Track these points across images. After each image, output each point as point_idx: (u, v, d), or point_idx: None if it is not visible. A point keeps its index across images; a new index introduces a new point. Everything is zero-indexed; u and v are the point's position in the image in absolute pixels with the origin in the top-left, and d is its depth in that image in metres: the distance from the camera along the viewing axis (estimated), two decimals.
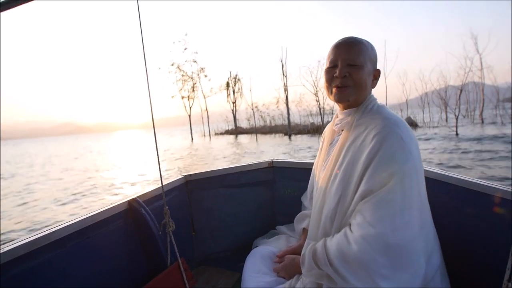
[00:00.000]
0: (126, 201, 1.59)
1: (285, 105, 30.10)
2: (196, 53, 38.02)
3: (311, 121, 30.79)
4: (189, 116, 35.95)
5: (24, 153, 40.38)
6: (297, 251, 1.40)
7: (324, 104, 28.08)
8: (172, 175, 2.09)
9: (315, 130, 26.55)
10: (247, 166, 2.18)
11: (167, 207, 1.49)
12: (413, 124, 24.68)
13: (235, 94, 36.78)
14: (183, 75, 35.97)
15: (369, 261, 0.98)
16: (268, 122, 35.47)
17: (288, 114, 29.09)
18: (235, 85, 36.56)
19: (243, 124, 38.60)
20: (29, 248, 1.17)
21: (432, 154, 10.91)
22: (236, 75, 36.47)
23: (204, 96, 37.10)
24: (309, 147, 15.96)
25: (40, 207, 8.24)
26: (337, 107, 1.33)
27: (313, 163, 1.54)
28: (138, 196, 1.63)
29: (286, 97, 29.79)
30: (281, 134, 29.24)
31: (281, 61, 29.46)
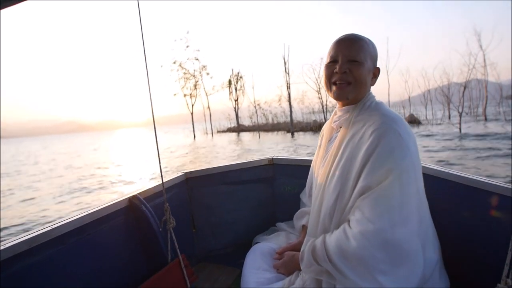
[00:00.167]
0: (127, 198, 1.59)
1: (287, 103, 30.06)
2: (198, 50, 37.45)
3: (313, 118, 30.74)
4: (191, 114, 35.99)
5: (26, 151, 40.55)
6: (296, 247, 1.41)
7: (326, 101, 28.06)
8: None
9: (318, 127, 26.38)
10: (248, 163, 2.19)
11: (167, 204, 1.49)
12: (415, 121, 24.59)
13: (237, 91, 36.73)
14: (185, 73, 35.99)
15: (368, 257, 0.99)
16: (270, 120, 35.45)
17: (291, 111, 29.04)
18: (237, 82, 36.50)
19: (245, 121, 38.59)
20: (29, 244, 1.17)
21: (435, 152, 10.86)
22: (238, 73, 36.41)
23: (206, 94, 37.07)
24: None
25: (45, 203, 8.30)
26: (337, 104, 1.33)
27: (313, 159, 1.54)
28: (139, 193, 1.63)
29: (289, 94, 29.74)
30: (283, 132, 29.21)
31: (284, 59, 29.35)
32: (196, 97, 36.48)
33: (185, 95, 36.20)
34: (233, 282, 1.77)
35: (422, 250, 1.03)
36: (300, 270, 1.23)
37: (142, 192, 1.66)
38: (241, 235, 2.13)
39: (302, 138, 20.84)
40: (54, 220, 1.35)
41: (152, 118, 1.37)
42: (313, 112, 31.66)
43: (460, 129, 16.25)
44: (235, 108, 37.22)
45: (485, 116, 22.95)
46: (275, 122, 34.60)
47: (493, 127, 16.65)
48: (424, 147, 12.07)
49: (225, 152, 16.09)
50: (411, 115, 25.64)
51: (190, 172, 2.07)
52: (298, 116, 31.95)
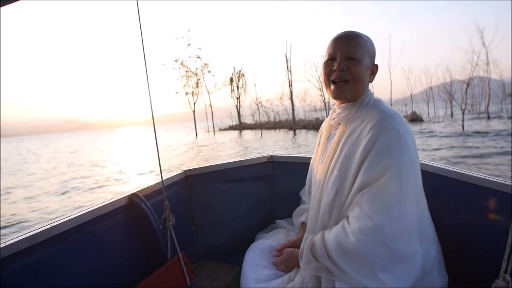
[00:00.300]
0: (127, 196, 1.60)
1: (289, 101, 30.06)
2: (200, 49, 37.49)
3: (315, 116, 30.75)
4: (193, 112, 36.03)
5: (27, 149, 40.77)
6: (296, 244, 1.41)
7: (329, 99, 28.01)
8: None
9: (320, 125, 26.00)
10: (247, 161, 2.19)
11: (167, 201, 1.49)
12: (418, 119, 24.56)
13: (239, 89, 36.75)
14: (187, 71, 35.97)
15: (367, 253, 1.00)
16: (272, 118, 35.46)
17: (293, 109, 29.04)
18: (239, 80, 36.53)
19: (247, 119, 38.66)
20: (29, 242, 1.17)
21: (438, 151, 10.82)
22: (239, 71, 36.42)
23: (208, 92, 37.09)
24: None
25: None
26: (335, 102, 1.34)
27: (312, 157, 1.54)
28: (139, 191, 1.63)
29: (291, 92, 29.73)
30: (285, 130, 29.23)
31: (286, 56, 29.35)
32: (198, 95, 36.49)
33: (187, 93, 36.22)
34: (233, 280, 1.77)
35: (421, 246, 1.04)
36: (299, 267, 1.24)
37: (141, 190, 1.67)
38: (240, 232, 2.14)
39: (305, 136, 20.80)
40: (55, 218, 1.35)
41: (151, 116, 1.37)
42: (315, 110, 31.69)
43: (463, 127, 16.19)
44: (237, 106, 37.26)
45: (488, 113, 22.86)
46: (277, 120, 34.65)
47: (496, 125, 16.60)
48: (428, 145, 12.03)
49: (230, 153, 16.11)
50: (413, 113, 25.61)
51: (190, 170, 2.08)
52: (300, 114, 32.02)
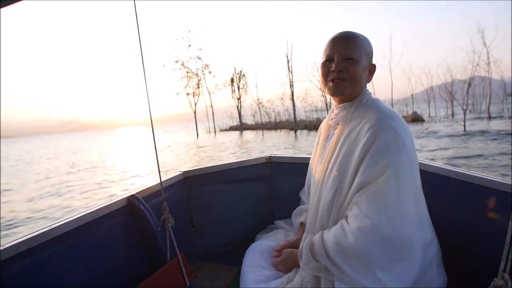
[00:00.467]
0: (125, 198, 1.60)
1: (290, 101, 30.05)
2: (200, 49, 37.27)
3: (316, 116, 30.74)
4: (194, 112, 36.03)
5: (29, 150, 40.85)
6: (295, 245, 1.41)
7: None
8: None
9: None
10: (245, 162, 2.19)
11: (166, 203, 1.49)
12: (419, 119, 24.53)
13: (240, 90, 36.74)
14: (187, 72, 35.94)
15: (366, 252, 1.00)
16: (273, 118, 35.46)
17: (294, 109, 29.04)
18: (239, 81, 36.51)
19: (248, 120, 38.66)
20: (29, 244, 1.17)
21: (439, 151, 10.78)
22: (240, 71, 36.40)
23: (209, 92, 37.04)
24: None
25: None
26: (334, 102, 1.34)
27: (310, 157, 1.54)
28: (137, 193, 1.63)
29: (292, 92, 29.73)
30: (286, 130, 29.23)
31: (287, 57, 29.37)
32: (198, 96, 36.47)
33: (187, 94, 36.19)
34: (232, 280, 1.77)
35: (419, 245, 1.04)
36: (298, 267, 1.24)
37: (140, 191, 1.67)
38: (239, 233, 2.14)
39: (307, 137, 20.76)
40: (54, 220, 1.35)
41: (150, 117, 1.38)
42: (316, 110, 31.68)
43: (464, 127, 16.14)
44: (237, 106, 37.24)
45: (489, 113, 22.83)
46: (278, 120, 34.64)
47: (497, 125, 16.56)
48: (428, 145, 11.99)
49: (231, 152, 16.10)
50: (414, 113, 25.57)
51: (188, 171, 2.08)
52: (300, 114, 32.02)
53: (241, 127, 36.69)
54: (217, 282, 1.77)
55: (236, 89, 36.71)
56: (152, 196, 1.74)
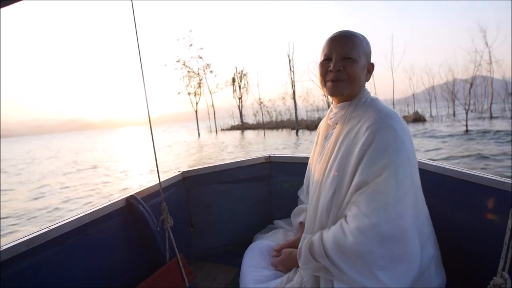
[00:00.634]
0: (124, 198, 1.59)
1: (291, 100, 30.03)
2: (202, 49, 37.15)
3: (317, 116, 30.71)
4: (196, 112, 36.03)
5: (30, 150, 40.93)
6: (294, 244, 1.41)
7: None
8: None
9: None
10: (244, 162, 2.19)
11: (165, 203, 1.49)
12: (420, 119, 24.46)
13: (241, 89, 36.74)
14: (189, 72, 35.94)
15: (365, 252, 1.00)
16: (274, 118, 35.45)
17: (296, 109, 29.00)
18: (241, 80, 36.51)
19: (249, 119, 38.66)
20: (28, 245, 1.17)
21: (442, 150, 10.75)
22: (241, 71, 36.40)
23: (210, 92, 37.03)
24: None
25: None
26: (333, 101, 1.35)
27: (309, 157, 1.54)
28: (136, 193, 1.63)
29: (294, 92, 29.70)
30: (287, 129, 29.22)
31: (288, 56, 29.33)
32: (200, 95, 36.46)
33: (189, 94, 36.17)
34: (231, 281, 1.77)
35: (418, 244, 1.04)
36: (298, 267, 1.24)
37: (139, 192, 1.66)
38: (239, 233, 2.13)
39: (309, 137, 20.71)
40: (54, 221, 1.35)
41: (148, 116, 1.39)
42: (317, 110, 31.65)
43: (466, 126, 16.08)
44: (239, 106, 37.24)
45: (491, 113, 22.76)
46: (279, 120, 34.64)
47: (499, 125, 16.51)
48: (430, 145, 11.95)
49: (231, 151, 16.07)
50: (416, 113, 25.50)
51: (187, 171, 2.07)
52: (302, 114, 31.97)
53: (243, 127, 36.68)
54: (217, 282, 1.77)
55: (238, 88, 36.74)
56: (151, 196, 1.73)
